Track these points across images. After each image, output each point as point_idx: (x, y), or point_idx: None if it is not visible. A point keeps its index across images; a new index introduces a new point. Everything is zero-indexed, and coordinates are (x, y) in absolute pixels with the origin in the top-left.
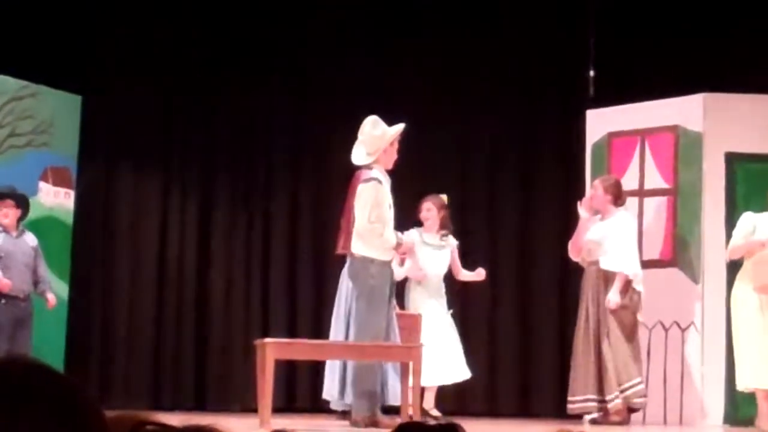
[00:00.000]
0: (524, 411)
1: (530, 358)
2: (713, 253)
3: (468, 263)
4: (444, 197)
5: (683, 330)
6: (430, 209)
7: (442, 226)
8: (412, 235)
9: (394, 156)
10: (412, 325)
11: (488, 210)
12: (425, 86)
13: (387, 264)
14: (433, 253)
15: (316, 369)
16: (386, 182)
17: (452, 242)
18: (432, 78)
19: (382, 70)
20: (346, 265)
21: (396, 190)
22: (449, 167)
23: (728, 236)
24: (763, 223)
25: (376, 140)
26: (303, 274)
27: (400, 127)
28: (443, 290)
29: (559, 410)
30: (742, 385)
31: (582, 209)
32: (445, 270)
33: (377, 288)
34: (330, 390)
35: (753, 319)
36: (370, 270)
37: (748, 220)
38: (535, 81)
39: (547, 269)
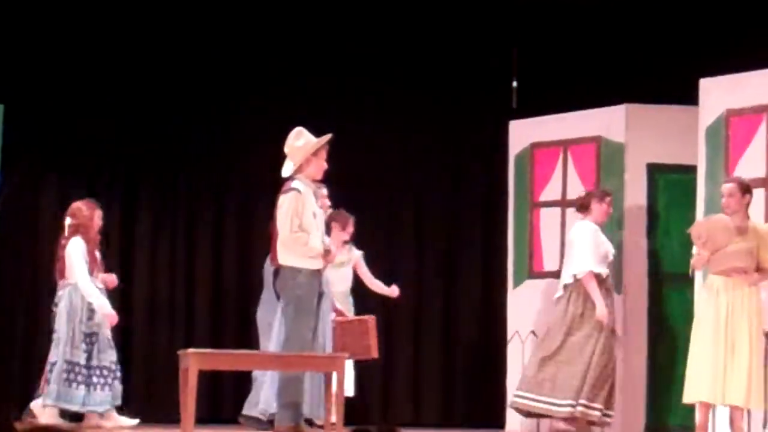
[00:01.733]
0: (447, 421)
1: (454, 370)
2: (634, 262)
3: (392, 275)
4: (350, 217)
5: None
6: (334, 227)
7: (345, 243)
8: None
9: (322, 166)
10: (363, 330)
11: (413, 220)
12: (349, 95)
13: (316, 273)
14: (334, 272)
15: (240, 379)
16: (309, 191)
17: (355, 254)
18: (356, 88)
19: (306, 80)
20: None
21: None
22: (373, 179)
23: (650, 246)
24: None
25: (299, 151)
26: (228, 285)
27: (325, 137)
28: (351, 304)
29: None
30: (690, 397)
31: None
32: (349, 285)
33: (304, 297)
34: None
35: (707, 331)
36: (297, 279)
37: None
38: (458, 91)
39: (472, 279)
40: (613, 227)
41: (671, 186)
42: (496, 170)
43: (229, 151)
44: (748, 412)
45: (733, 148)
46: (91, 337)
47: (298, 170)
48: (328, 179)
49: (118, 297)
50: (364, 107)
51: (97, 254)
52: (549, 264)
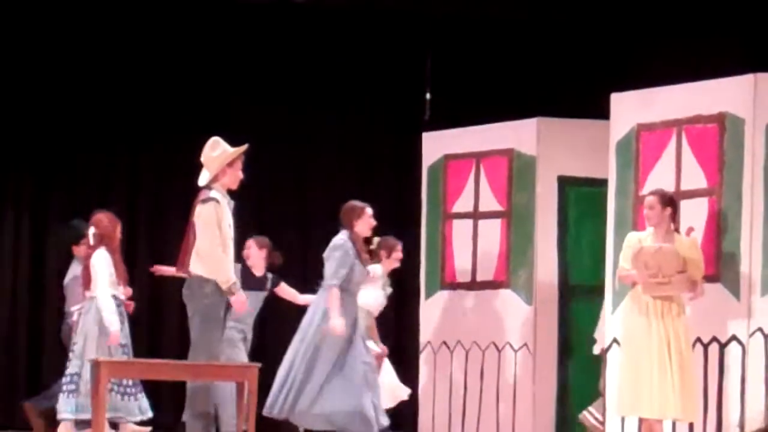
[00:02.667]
0: None
1: None
2: (545, 274)
3: (306, 287)
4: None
5: (516, 351)
6: (250, 247)
7: (270, 269)
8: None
9: (237, 176)
10: None
11: (327, 232)
12: (263, 106)
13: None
14: (250, 294)
15: (151, 387)
16: (226, 202)
17: (271, 283)
18: (269, 99)
19: (221, 87)
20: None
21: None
22: (285, 190)
23: (560, 258)
24: (645, 242)
25: (214, 161)
26: (139, 294)
27: (241, 148)
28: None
29: None
30: (623, 411)
31: None
32: (256, 313)
33: (212, 307)
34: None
35: (638, 345)
36: (204, 290)
37: (630, 240)
38: (371, 103)
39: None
40: (525, 241)
41: (582, 199)
42: (409, 182)
43: (143, 160)
44: (673, 424)
45: (643, 162)
46: (123, 348)
47: (214, 180)
48: (241, 192)
49: (28, 304)
50: (276, 119)
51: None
52: (461, 275)
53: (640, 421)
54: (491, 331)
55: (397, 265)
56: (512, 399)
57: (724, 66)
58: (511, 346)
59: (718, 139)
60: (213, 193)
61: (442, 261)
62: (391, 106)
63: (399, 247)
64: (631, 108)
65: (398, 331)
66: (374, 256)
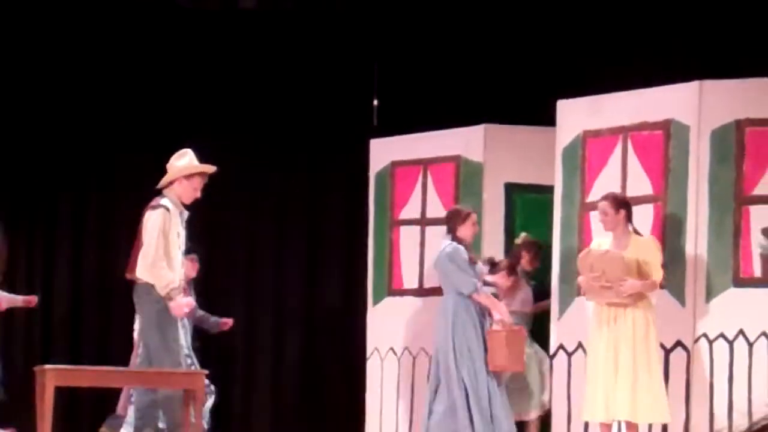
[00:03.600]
0: None
1: (314, 386)
2: None
3: (256, 289)
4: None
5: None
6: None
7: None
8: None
9: (192, 192)
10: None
11: (275, 237)
12: (209, 114)
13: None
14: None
15: (100, 395)
16: (176, 211)
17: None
18: (215, 106)
19: (165, 95)
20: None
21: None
22: (233, 195)
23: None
24: (605, 247)
25: (175, 170)
26: (88, 300)
27: (204, 167)
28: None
29: None
30: (589, 416)
31: None
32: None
33: (164, 312)
34: None
35: (599, 350)
36: (152, 295)
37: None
38: (319, 109)
39: (333, 296)
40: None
41: (528, 206)
42: (356, 188)
43: (90, 165)
44: (649, 427)
45: (589, 169)
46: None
47: (169, 186)
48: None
49: None
50: (223, 126)
51: None
52: (408, 282)
53: (600, 426)
54: (426, 338)
55: None
56: None
57: (670, 73)
58: None
59: (664, 146)
60: (164, 201)
61: (389, 268)
62: (338, 113)
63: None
64: (578, 115)
65: (345, 337)
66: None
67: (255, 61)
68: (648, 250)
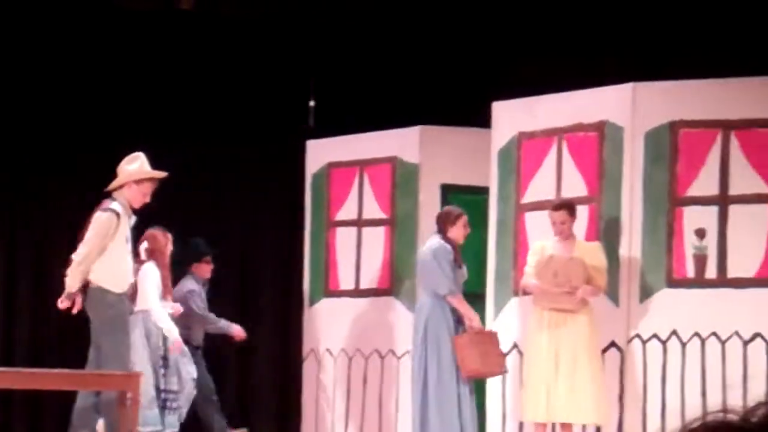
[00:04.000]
0: None
1: (252, 388)
2: None
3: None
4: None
5: (399, 358)
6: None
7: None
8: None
9: (141, 197)
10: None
11: (211, 239)
12: (146, 113)
13: (122, 295)
14: None
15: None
16: (125, 216)
17: None
18: (152, 106)
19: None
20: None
21: None
22: (168, 198)
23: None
24: (549, 250)
25: (125, 174)
26: (22, 300)
27: (154, 173)
28: None
29: None
30: (530, 416)
31: None
32: None
33: (117, 317)
34: None
35: (537, 350)
36: (106, 299)
37: (536, 249)
38: (255, 110)
39: (271, 297)
40: (408, 248)
41: (464, 207)
42: (293, 189)
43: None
44: (583, 428)
45: (524, 170)
46: (165, 361)
47: (118, 190)
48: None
49: None
50: (159, 126)
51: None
52: (345, 283)
53: (535, 426)
54: (375, 339)
55: None
56: (395, 406)
57: (604, 75)
58: (394, 354)
59: (598, 148)
60: (114, 205)
61: (325, 269)
62: (275, 114)
63: None
64: (513, 116)
65: (282, 338)
66: None
67: (192, 61)
68: (595, 255)
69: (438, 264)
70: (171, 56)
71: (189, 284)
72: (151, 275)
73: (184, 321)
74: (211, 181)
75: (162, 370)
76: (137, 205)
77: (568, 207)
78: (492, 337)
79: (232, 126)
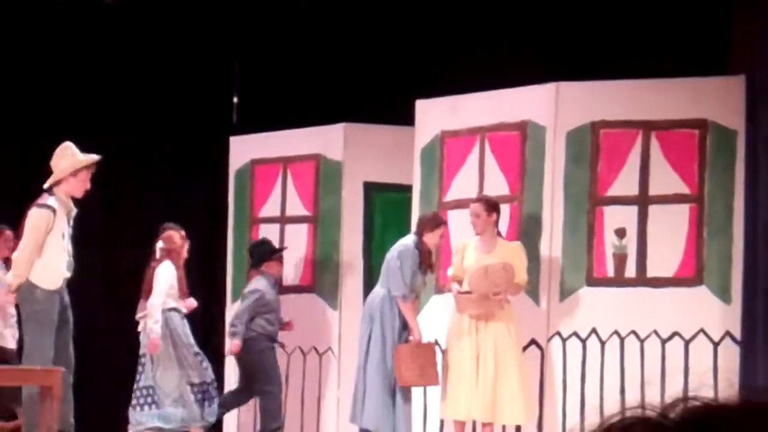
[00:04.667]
0: None
1: None
2: (350, 279)
3: (114, 287)
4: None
5: (321, 355)
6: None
7: None
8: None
9: (83, 185)
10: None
11: (134, 235)
12: (67, 109)
13: (56, 291)
14: None
15: None
16: (63, 210)
17: None
18: (73, 101)
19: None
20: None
21: None
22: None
23: (366, 264)
24: (471, 248)
25: (59, 170)
26: None
27: (89, 159)
28: None
29: None
30: (451, 414)
31: None
32: None
33: (44, 313)
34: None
35: (460, 351)
36: (35, 295)
37: (457, 247)
38: (179, 107)
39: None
40: (331, 246)
41: (387, 205)
42: (216, 186)
43: None
44: (503, 428)
45: (447, 168)
46: (198, 355)
47: (57, 185)
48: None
49: None
50: (82, 122)
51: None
52: None
53: (454, 423)
54: (297, 335)
55: None
56: (317, 403)
57: (527, 75)
58: (317, 351)
59: (520, 147)
60: (51, 200)
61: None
62: (198, 110)
63: None
64: (436, 115)
65: (205, 334)
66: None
67: (114, 56)
68: (515, 255)
69: (399, 265)
70: (95, 50)
71: (255, 284)
72: (166, 274)
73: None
74: (134, 177)
75: (203, 363)
76: (80, 194)
77: (485, 201)
78: (430, 349)
79: (154, 122)
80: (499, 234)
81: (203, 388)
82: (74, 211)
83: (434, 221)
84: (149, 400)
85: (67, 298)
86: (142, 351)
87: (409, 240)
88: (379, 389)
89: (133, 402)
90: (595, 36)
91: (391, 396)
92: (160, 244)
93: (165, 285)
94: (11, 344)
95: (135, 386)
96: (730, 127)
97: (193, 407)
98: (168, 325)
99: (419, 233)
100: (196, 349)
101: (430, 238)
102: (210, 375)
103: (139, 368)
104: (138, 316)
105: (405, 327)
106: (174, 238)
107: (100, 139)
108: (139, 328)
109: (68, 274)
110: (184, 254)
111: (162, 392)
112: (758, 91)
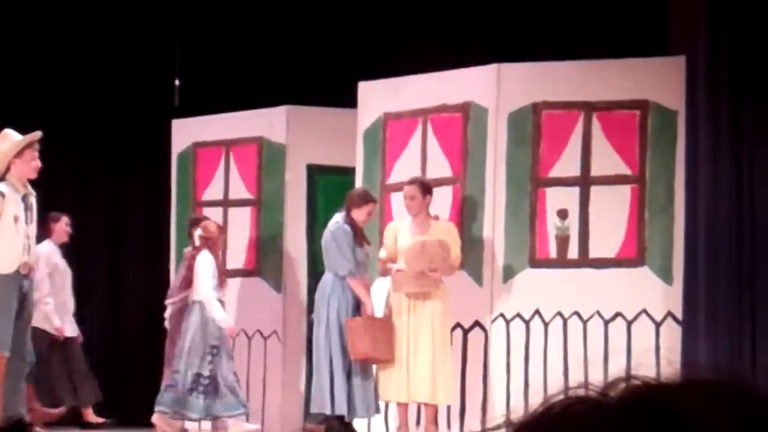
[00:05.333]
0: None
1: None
2: (294, 262)
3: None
4: None
5: (266, 338)
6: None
7: None
8: None
9: (32, 165)
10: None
11: (76, 221)
12: (9, 91)
13: (11, 276)
14: None
15: None
16: (16, 194)
17: None
18: (14, 83)
19: None
20: None
21: None
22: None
23: (309, 246)
24: (404, 230)
25: (3, 155)
26: None
27: (27, 139)
28: None
29: None
30: (393, 396)
31: None
32: None
33: (1, 298)
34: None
35: (400, 335)
36: None
37: (389, 230)
38: (119, 88)
39: (136, 279)
40: (274, 229)
41: (330, 187)
42: (158, 169)
43: None
44: (448, 408)
45: (390, 150)
46: (215, 349)
47: (7, 171)
48: None
49: None
50: (22, 105)
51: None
52: None
53: (397, 405)
54: (241, 319)
55: None
56: (262, 386)
57: (469, 56)
58: (261, 334)
59: (463, 128)
60: (1, 186)
61: None
62: (139, 93)
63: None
64: (379, 97)
65: (149, 317)
66: None
67: (51, 37)
68: (449, 235)
69: (336, 245)
70: (30, 31)
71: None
72: (206, 264)
73: None
74: (74, 162)
75: (209, 357)
76: (33, 175)
77: (420, 183)
78: (384, 324)
79: (95, 105)
80: (431, 215)
81: (204, 381)
82: (32, 194)
83: (362, 198)
84: (210, 388)
85: (26, 285)
86: (215, 342)
87: (337, 218)
88: (345, 374)
89: (195, 388)
90: (536, 17)
91: (353, 377)
92: (198, 232)
93: (207, 278)
94: None
95: (197, 373)
96: (671, 107)
97: (239, 395)
98: (201, 313)
99: (347, 209)
100: (214, 342)
101: (358, 215)
102: (217, 371)
103: (209, 357)
104: (169, 301)
105: (359, 307)
106: (210, 227)
107: (39, 123)
108: (166, 314)
109: (26, 258)
110: (221, 244)
111: (223, 382)
112: (698, 72)
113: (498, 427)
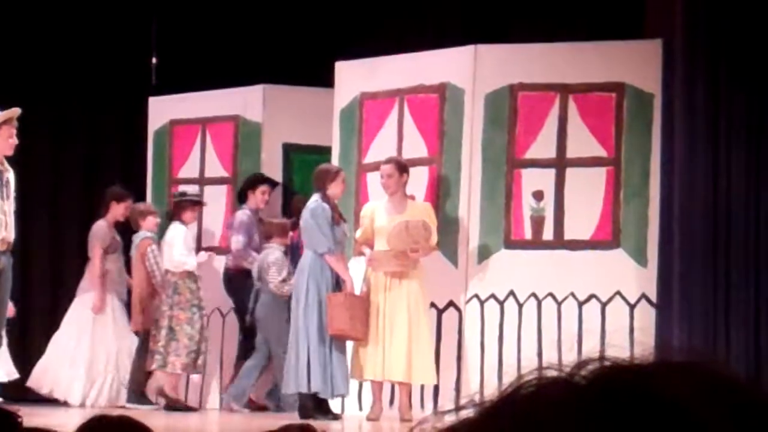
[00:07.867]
0: None
1: None
2: None
3: (32, 250)
4: None
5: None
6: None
7: None
8: None
9: (9, 142)
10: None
11: (52, 197)
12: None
13: None
14: None
15: None
16: None
17: None
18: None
19: None
20: None
21: None
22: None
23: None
24: (380, 210)
25: None
26: None
27: (8, 112)
28: None
29: None
30: (369, 375)
31: None
32: None
33: None
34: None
35: (373, 312)
36: None
37: (365, 211)
38: (96, 66)
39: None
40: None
41: (306, 166)
42: (135, 146)
43: None
44: (422, 388)
45: (366, 130)
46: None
47: None
48: None
49: None
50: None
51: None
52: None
53: (372, 384)
54: (218, 298)
55: None
56: (218, 362)
57: (446, 37)
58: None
59: (439, 109)
60: None
61: None
62: (116, 70)
63: None
64: (355, 77)
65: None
66: None
67: (27, 15)
68: (427, 215)
69: (316, 223)
70: (12, 8)
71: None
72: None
73: None
74: (51, 139)
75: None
76: (9, 151)
77: (396, 162)
78: (363, 302)
79: (72, 82)
80: (408, 195)
81: None
82: (9, 170)
83: (331, 172)
84: None
85: (4, 261)
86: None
87: (315, 198)
88: (324, 352)
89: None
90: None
91: (332, 354)
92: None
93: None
94: None
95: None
96: (647, 90)
97: None
98: None
99: (322, 188)
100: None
101: (334, 188)
102: None
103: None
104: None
105: (338, 284)
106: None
107: (15, 100)
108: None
109: (3, 234)
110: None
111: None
112: (674, 55)
113: (466, 405)
